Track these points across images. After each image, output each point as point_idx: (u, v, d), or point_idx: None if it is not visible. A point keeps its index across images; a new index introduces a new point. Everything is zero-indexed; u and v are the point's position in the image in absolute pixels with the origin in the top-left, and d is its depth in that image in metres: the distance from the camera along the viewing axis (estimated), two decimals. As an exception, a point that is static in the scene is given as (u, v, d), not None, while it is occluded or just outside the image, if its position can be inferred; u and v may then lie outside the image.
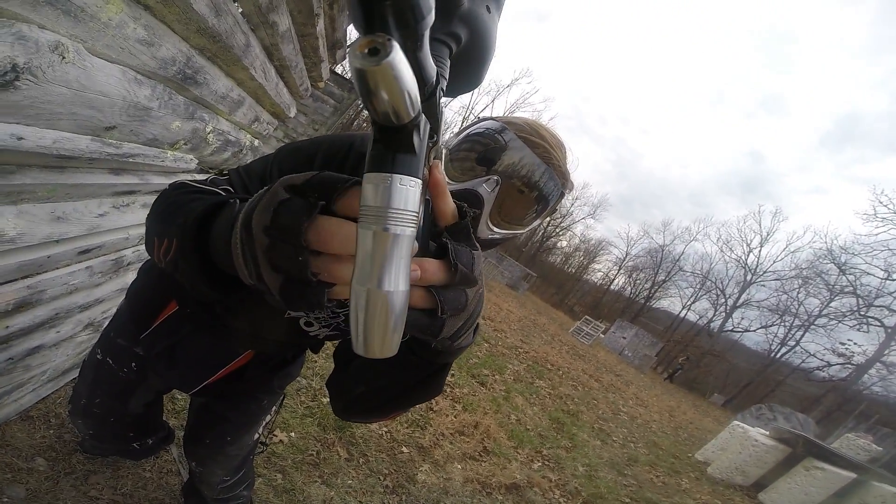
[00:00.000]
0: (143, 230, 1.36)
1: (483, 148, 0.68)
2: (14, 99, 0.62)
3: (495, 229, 0.70)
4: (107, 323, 1.08)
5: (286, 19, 1.26)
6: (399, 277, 0.28)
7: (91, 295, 1.31)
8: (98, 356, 1.06)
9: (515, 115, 0.77)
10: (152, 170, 1.17)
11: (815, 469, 5.71)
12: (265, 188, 0.37)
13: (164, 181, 1.23)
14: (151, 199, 1.27)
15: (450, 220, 0.39)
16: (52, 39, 0.63)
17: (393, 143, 0.28)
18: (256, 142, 1.80)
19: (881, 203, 26.28)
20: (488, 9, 0.41)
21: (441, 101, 0.35)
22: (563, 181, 0.71)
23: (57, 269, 1.05)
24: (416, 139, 0.28)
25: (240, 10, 1.06)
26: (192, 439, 1.17)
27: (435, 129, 0.33)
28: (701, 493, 5.09)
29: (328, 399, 2.46)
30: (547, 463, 3.76)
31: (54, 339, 1.25)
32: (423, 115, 0.29)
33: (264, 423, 1.21)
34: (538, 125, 0.71)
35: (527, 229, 0.75)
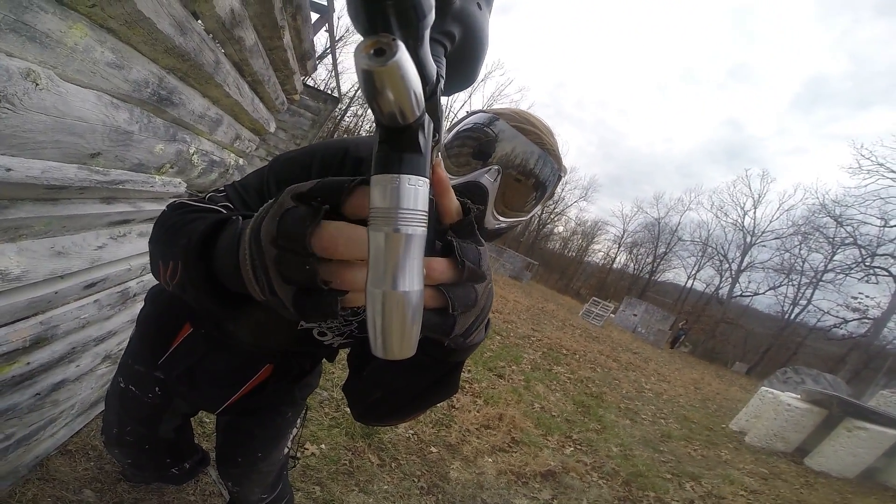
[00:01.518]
0: (144, 260, 1.38)
1: (478, 140, 0.69)
2: (-5, 129, 0.64)
3: (501, 218, 0.72)
4: (123, 351, 1.10)
5: (251, 34, 1.29)
6: (413, 277, 0.28)
7: (103, 328, 1.32)
8: (121, 385, 1.07)
9: (497, 106, 0.78)
10: (143, 196, 1.19)
11: (857, 430, 5.52)
12: (272, 200, 0.37)
13: (157, 207, 1.25)
14: (147, 227, 1.30)
15: (454, 217, 0.39)
16: (22, 66, 0.65)
17: (399, 144, 0.28)
18: (241, 160, 1.82)
19: (863, 156, 26.12)
20: (479, 6, 0.41)
21: (441, 99, 0.35)
22: (558, 164, 0.73)
23: (66, 304, 1.07)
24: (421, 138, 0.29)
25: (203, 27, 1.08)
26: (224, 460, 1.17)
27: (436, 128, 0.33)
28: (744, 463, 4.98)
29: (350, 407, 2.42)
30: (579, 447, 3.73)
31: (76, 373, 1.27)
32: (427, 114, 0.30)
33: (292, 436, 1.22)
34: (526, 113, 0.73)
35: (529, 215, 0.76)
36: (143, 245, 0.85)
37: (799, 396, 6.49)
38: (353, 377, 0.73)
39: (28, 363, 1.02)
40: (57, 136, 0.75)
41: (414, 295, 0.28)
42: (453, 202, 0.39)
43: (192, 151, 1.26)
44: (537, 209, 0.77)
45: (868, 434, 5.52)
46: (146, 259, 1.36)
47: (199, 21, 1.05)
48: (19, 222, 0.78)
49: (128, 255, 1.22)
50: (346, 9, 0.24)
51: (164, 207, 0.65)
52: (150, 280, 1.46)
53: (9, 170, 0.69)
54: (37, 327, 0.97)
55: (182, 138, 1.19)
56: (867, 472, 5.59)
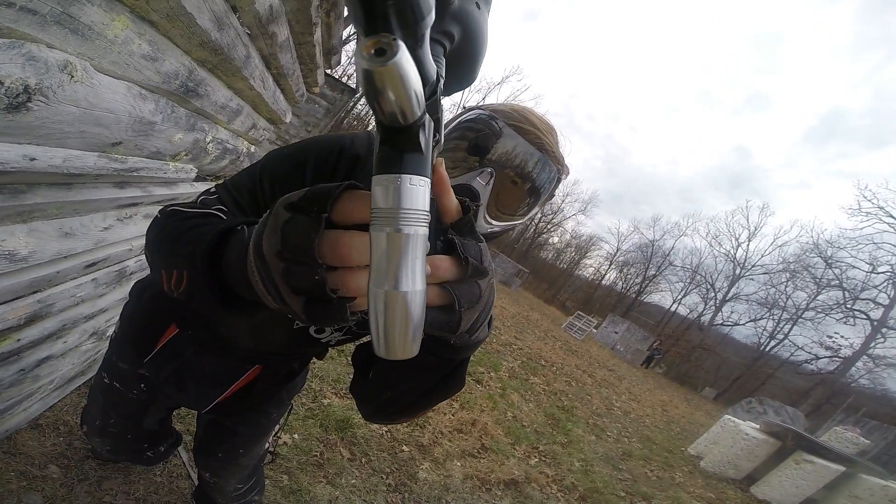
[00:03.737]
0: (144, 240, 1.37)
1: (474, 139, 0.66)
2: (27, 120, 0.63)
3: (493, 222, 0.69)
4: (108, 342, 1.08)
5: (285, 30, 1.27)
6: (416, 277, 0.28)
7: (95, 305, 1.31)
8: (105, 380, 1.05)
9: (502, 102, 0.74)
10: (154, 181, 1.18)
11: (805, 462, 5.75)
12: (268, 212, 0.37)
13: (166, 192, 1.24)
14: (153, 209, 1.28)
15: (454, 216, 0.39)
16: (60, 59, 0.64)
17: (400, 144, 0.28)
18: (253, 148, 1.80)
19: (865, 198, 26.73)
20: (478, 5, 0.41)
21: (441, 99, 0.36)
22: (557, 166, 0.69)
23: (65, 282, 1.06)
24: (422, 138, 0.29)
25: (240, 21, 1.06)
26: (204, 452, 1.17)
27: (437, 128, 0.33)
28: (694, 487, 5.13)
29: (328, 400, 2.44)
30: (544, 459, 3.78)
31: (62, 350, 1.26)
32: (427, 114, 0.29)
33: (273, 433, 1.23)
34: (526, 110, 0.69)
35: (525, 219, 0.73)
36: (146, 227, 0.84)
37: (758, 427, 6.69)
38: (360, 378, 0.71)
39: (18, 339, 1.01)
40: (83, 126, 0.74)
41: (416, 295, 0.28)
42: (453, 201, 0.39)
43: (208, 140, 1.25)
44: (534, 213, 0.74)
45: (814, 467, 5.76)
46: None
47: (237, 14, 1.04)
48: (34, 206, 0.78)
49: (132, 235, 1.21)
50: (346, 8, 0.25)
51: (165, 203, 0.64)
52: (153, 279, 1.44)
53: (33, 159, 0.68)
54: (34, 305, 0.96)
55: (201, 127, 1.18)
56: (805, 503, 5.83)
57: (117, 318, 1.07)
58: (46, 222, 0.85)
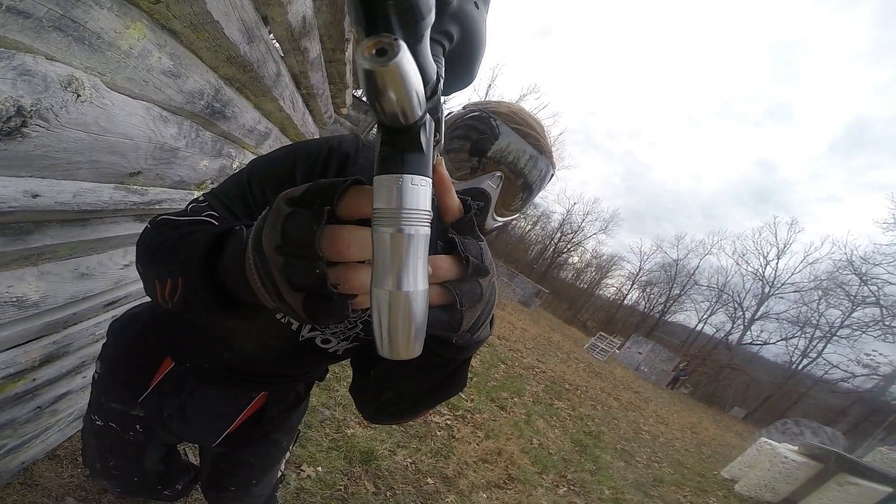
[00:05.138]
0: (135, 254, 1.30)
1: (477, 143, 0.68)
2: (23, 149, 0.53)
3: (499, 219, 0.73)
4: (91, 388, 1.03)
5: (317, 45, 1.19)
6: (417, 277, 0.28)
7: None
8: (98, 423, 0.99)
9: (493, 100, 0.75)
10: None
11: (848, 484, 5.52)
12: (267, 208, 0.36)
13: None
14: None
15: (456, 215, 0.39)
16: (63, 74, 0.53)
17: (401, 144, 0.28)
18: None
19: None
20: (476, 5, 0.41)
21: (441, 99, 0.35)
22: (551, 163, 0.74)
23: (83, 322, 0.97)
24: (423, 138, 0.28)
25: (271, 35, 0.97)
26: (215, 487, 1.12)
27: (437, 128, 0.33)
28: (729, 511, 4.89)
29: (352, 430, 2.36)
30: (572, 488, 3.63)
31: (81, 384, 1.18)
32: (427, 114, 0.29)
33: (285, 459, 1.20)
34: (522, 111, 0.72)
35: (521, 213, 0.78)
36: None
37: (797, 449, 6.43)
38: (360, 378, 0.72)
39: (34, 379, 0.93)
40: (95, 155, 0.64)
41: (419, 295, 0.28)
42: (454, 200, 0.38)
43: (235, 166, 1.15)
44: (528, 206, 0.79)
45: (858, 489, 5.53)
46: None
47: (268, 27, 0.94)
48: (43, 248, 0.67)
49: (152, 270, 1.12)
50: (346, 8, 0.16)
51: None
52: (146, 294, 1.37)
53: (35, 195, 0.58)
54: (49, 347, 0.88)
55: (228, 153, 1.08)
56: (851, 524, 5.61)
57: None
58: (59, 263, 0.75)
